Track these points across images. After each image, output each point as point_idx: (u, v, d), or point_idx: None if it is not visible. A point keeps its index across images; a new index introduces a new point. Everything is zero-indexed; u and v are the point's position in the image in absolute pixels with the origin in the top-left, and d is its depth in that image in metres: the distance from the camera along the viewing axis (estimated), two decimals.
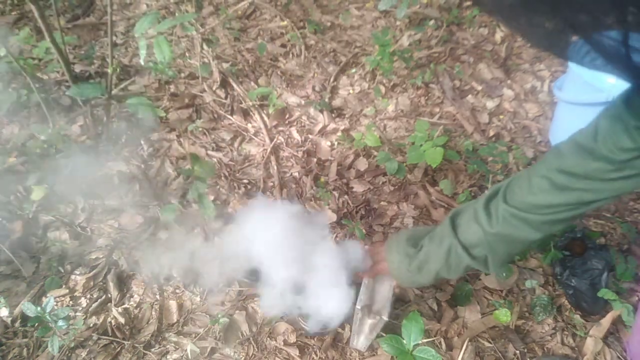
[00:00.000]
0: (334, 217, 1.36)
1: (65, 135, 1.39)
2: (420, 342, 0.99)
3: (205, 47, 1.74)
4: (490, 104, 1.82)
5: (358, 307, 0.95)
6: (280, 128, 1.65)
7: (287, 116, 1.69)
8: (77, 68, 1.71)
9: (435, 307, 1.20)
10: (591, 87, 1.37)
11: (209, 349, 1.08)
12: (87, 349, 1.07)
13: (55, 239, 1.26)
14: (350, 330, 1.08)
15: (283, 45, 1.98)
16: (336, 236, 1.32)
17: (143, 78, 1.74)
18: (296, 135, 1.63)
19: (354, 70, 1.90)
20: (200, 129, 1.58)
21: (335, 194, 1.44)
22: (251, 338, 1.11)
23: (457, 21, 2.13)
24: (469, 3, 2.17)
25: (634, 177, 0.64)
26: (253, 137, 1.60)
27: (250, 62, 1.88)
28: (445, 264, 0.84)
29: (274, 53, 1.93)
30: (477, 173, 1.52)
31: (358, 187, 1.48)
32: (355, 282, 1.00)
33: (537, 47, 0.50)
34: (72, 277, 1.20)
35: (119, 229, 1.30)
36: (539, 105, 1.83)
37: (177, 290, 1.19)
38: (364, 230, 1.30)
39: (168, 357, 1.08)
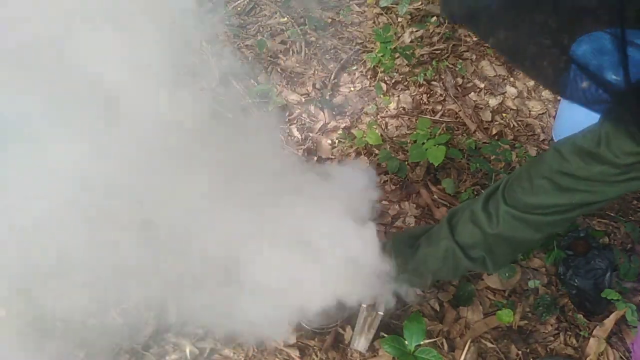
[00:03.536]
0: None
1: None
2: (422, 343, 0.99)
3: (204, 43, 1.72)
4: (493, 102, 1.80)
5: (364, 305, 0.94)
6: (280, 126, 1.64)
7: (287, 114, 1.68)
8: None
9: (437, 307, 1.19)
10: None
11: (208, 350, 1.07)
12: (85, 350, 1.06)
13: None
14: (353, 331, 1.07)
15: (283, 42, 1.96)
16: None
17: None
18: (296, 133, 1.61)
19: (354, 68, 1.88)
20: None
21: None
22: None
23: None
24: None
25: (639, 179, 0.63)
26: None
27: (249, 59, 1.86)
28: (442, 266, 0.83)
29: (273, 50, 1.92)
30: (480, 172, 1.51)
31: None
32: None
33: (529, 70, 0.50)
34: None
35: None
36: (542, 103, 1.81)
37: None
38: None
39: (167, 358, 1.07)
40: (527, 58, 0.45)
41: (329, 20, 2.09)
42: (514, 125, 1.73)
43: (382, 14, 2.12)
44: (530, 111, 1.79)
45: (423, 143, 1.44)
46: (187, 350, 1.06)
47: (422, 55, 1.93)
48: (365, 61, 1.88)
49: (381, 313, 0.94)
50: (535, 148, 1.64)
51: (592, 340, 1.16)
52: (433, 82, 1.84)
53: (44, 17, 0.63)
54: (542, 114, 1.78)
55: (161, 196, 0.71)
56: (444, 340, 1.12)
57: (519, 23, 0.42)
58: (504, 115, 1.76)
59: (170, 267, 0.81)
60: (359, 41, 2.01)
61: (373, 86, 1.80)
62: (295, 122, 1.66)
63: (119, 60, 0.68)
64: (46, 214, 0.64)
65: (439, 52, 1.96)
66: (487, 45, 2.01)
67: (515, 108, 1.79)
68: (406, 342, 0.98)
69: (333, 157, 1.55)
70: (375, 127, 1.59)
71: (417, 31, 2.01)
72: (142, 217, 0.71)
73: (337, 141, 1.60)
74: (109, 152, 0.66)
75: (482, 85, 1.85)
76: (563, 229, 1.23)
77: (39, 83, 0.62)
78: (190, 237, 0.78)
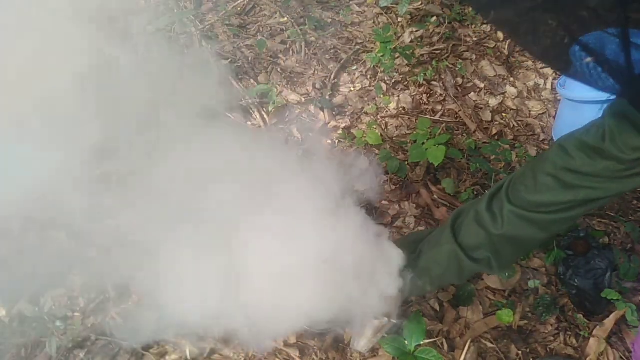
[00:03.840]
0: None
1: None
2: (422, 343, 0.99)
3: (204, 43, 1.72)
4: (493, 102, 1.80)
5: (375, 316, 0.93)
6: (281, 126, 1.63)
7: (287, 114, 1.68)
8: None
9: (437, 307, 1.19)
10: None
11: (208, 350, 1.07)
12: (86, 350, 1.06)
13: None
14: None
15: (283, 42, 1.96)
16: None
17: None
18: (296, 133, 1.61)
19: (355, 68, 1.88)
20: None
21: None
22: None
23: (459, 18, 2.11)
24: None
25: None
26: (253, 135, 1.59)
27: (249, 59, 1.86)
28: (446, 271, 0.82)
29: (273, 50, 1.92)
30: (480, 172, 1.51)
31: (359, 186, 1.46)
32: None
33: (535, 52, 0.49)
34: (70, 276, 1.19)
35: None
36: (542, 103, 1.81)
37: None
38: None
39: (167, 357, 1.07)
40: (529, 35, 0.44)
41: (329, 20, 2.09)
42: (514, 125, 1.73)
43: (382, 14, 2.12)
44: (530, 111, 1.79)
45: (423, 143, 1.44)
46: (187, 350, 1.06)
47: (422, 55, 1.93)
48: (365, 61, 1.88)
49: (394, 321, 0.94)
50: (535, 148, 1.64)
51: (592, 340, 1.16)
52: (433, 82, 1.84)
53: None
54: (542, 114, 1.78)
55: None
56: (444, 340, 1.12)
57: (521, 1, 0.41)
58: (504, 115, 1.76)
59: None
60: (359, 41, 2.01)
61: (373, 86, 1.80)
62: (295, 122, 1.66)
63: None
64: None
65: (439, 52, 1.96)
66: (487, 45, 2.01)
67: (515, 108, 1.79)
68: (406, 342, 0.98)
69: (333, 156, 1.55)
70: (375, 127, 1.59)
71: (417, 31, 2.01)
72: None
73: (337, 141, 1.60)
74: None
75: (482, 85, 1.85)
76: (567, 227, 1.22)
77: None
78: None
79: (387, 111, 1.73)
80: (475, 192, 1.45)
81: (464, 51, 1.98)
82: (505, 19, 0.44)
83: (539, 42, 0.44)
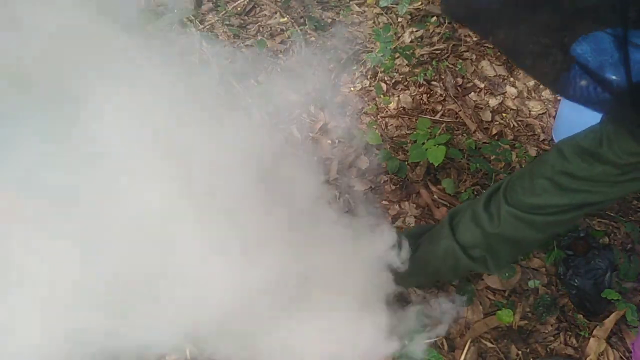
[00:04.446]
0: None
1: None
2: (422, 343, 0.99)
3: (204, 43, 1.72)
4: (493, 102, 1.80)
5: None
6: (281, 126, 1.64)
7: (287, 114, 1.68)
8: None
9: None
10: None
11: (208, 350, 1.07)
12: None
13: None
14: None
15: (283, 42, 1.96)
16: None
17: None
18: (296, 133, 1.61)
19: (354, 68, 1.88)
20: None
21: (336, 192, 1.43)
22: None
23: None
24: None
25: None
26: None
27: (249, 59, 1.86)
28: (442, 265, 0.83)
29: (273, 50, 1.92)
30: (480, 172, 1.51)
31: (359, 186, 1.47)
32: None
33: (529, 69, 0.50)
34: None
35: None
36: (542, 103, 1.81)
37: None
38: None
39: (167, 358, 1.07)
40: (527, 57, 0.45)
41: (329, 20, 2.09)
42: (514, 125, 1.73)
43: (382, 14, 2.12)
44: (530, 111, 1.79)
45: (423, 143, 1.44)
46: (187, 351, 1.06)
47: (422, 55, 1.93)
48: (365, 61, 1.88)
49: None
50: (535, 148, 1.64)
51: (592, 340, 1.16)
52: (433, 82, 1.84)
53: None
54: (542, 114, 1.78)
55: None
56: (444, 340, 1.12)
57: (519, 22, 0.42)
58: (504, 115, 1.76)
59: None
60: (359, 41, 2.01)
61: (373, 86, 1.80)
62: (295, 122, 1.66)
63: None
64: None
65: (439, 52, 1.96)
66: (487, 45, 2.01)
67: (515, 108, 1.79)
68: (406, 342, 0.98)
69: (333, 157, 1.55)
70: (375, 127, 1.60)
71: (417, 31, 2.01)
72: None
73: (337, 141, 1.60)
74: None
75: (482, 85, 1.85)
76: (565, 229, 1.23)
77: None
78: None
79: (387, 111, 1.73)
80: (475, 192, 1.45)
81: (464, 51, 1.98)
82: (501, 40, 0.44)
83: (536, 65, 0.44)
